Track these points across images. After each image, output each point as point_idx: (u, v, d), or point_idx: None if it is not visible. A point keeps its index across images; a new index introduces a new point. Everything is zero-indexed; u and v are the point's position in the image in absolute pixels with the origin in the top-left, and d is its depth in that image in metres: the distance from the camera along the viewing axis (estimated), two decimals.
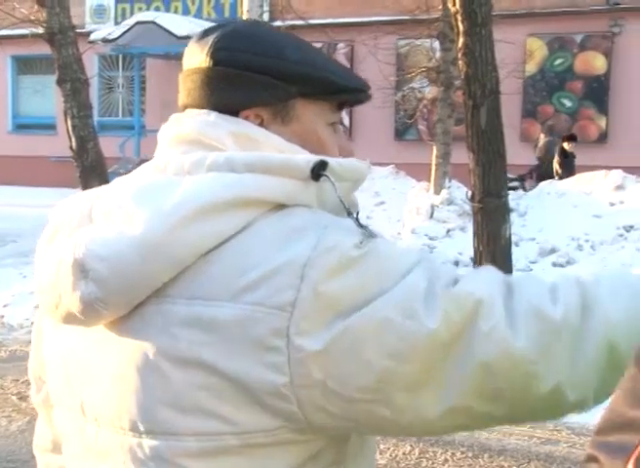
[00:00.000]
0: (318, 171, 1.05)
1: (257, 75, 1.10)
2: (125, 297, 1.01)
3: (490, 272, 1.07)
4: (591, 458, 0.61)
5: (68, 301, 1.02)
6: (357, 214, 1.11)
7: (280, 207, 1.05)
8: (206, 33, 1.14)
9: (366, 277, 1.00)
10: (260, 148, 1.08)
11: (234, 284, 0.99)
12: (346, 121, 16.44)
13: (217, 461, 1.02)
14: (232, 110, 1.11)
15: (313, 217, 1.05)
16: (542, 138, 14.14)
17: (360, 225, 1.05)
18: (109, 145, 15.99)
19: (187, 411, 1.00)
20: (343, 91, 1.15)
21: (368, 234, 1.04)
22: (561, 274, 1.11)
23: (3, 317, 7.61)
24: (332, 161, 1.07)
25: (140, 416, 1.03)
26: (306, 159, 1.06)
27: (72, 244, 1.02)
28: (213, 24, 1.18)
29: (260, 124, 1.11)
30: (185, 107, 1.16)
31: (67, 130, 8.54)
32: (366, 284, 0.99)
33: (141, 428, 1.03)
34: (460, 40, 6.47)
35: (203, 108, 1.12)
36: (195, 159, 1.05)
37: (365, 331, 0.97)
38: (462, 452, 4.81)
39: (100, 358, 1.06)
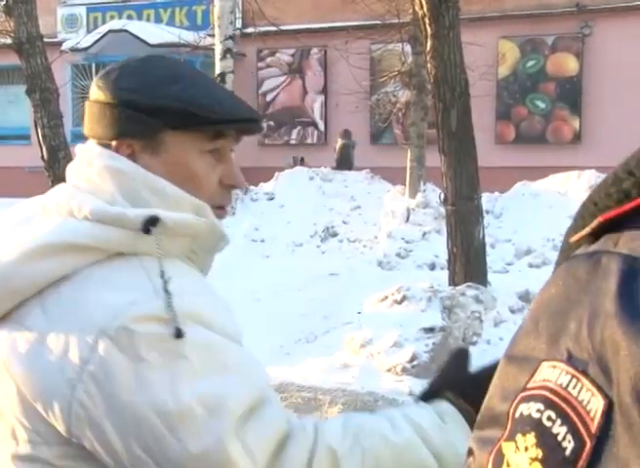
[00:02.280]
0: (148, 225, 1.12)
1: (125, 109, 1.20)
2: None
3: (278, 424, 1.12)
4: (469, 451, 0.64)
5: None
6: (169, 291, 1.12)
7: (118, 255, 1.14)
8: (106, 69, 1.27)
9: (149, 365, 1.06)
10: (130, 182, 1.18)
11: (53, 326, 1.10)
12: (321, 126, 16.46)
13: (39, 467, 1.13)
14: (108, 140, 1.22)
15: (135, 279, 1.12)
16: (339, 142, 14.41)
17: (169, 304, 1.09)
18: None
19: (13, 419, 1.14)
20: (210, 123, 1.21)
21: (172, 320, 1.08)
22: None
23: None
24: (166, 216, 1.14)
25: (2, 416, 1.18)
26: (137, 213, 1.13)
27: None
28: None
29: (131, 154, 1.21)
30: (86, 136, 1.29)
31: (38, 140, 8.47)
32: (147, 372, 1.06)
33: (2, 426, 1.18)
34: (429, 43, 6.48)
35: (91, 137, 1.25)
36: (53, 202, 1.17)
37: (130, 420, 1.07)
38: None
39: None
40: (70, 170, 1.24)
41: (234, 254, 8.99)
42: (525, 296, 7.36)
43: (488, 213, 10.22)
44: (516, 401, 0.60)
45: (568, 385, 0.57)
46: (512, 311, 7.13)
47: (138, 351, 1.06)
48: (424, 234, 10.72)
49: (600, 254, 0.60)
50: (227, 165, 1.27)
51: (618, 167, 0.65)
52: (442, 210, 9.69)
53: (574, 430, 0.55)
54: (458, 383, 1.23)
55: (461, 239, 6.99)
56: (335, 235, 11.38)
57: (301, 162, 14.63)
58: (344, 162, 14.01)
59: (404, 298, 6.64)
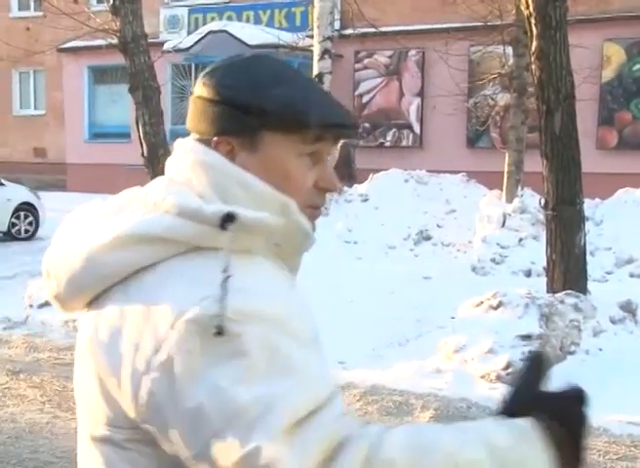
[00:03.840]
0: (225, 222, 1.14)
1: (227, 107, 1.22)
2: (74, 297, 1.23)
3: (335, 433, 1.09)
4: None
5: (47, 287, 1.28)
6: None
7: (196, 249, 1.16)
8: (211, 65, 1.30)
9: (214, 361, 1.08)
10: (220, 178, 1.20)
11: (129, 315, 1.15)
12: (417, 129, 16.33)
13: (112, 449, 1.18)
14: (208, 136, 1.24)
15: (206, 275, 1.13)
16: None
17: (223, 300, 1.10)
18: None
19: (94, 401, 1.19)
20: (312, 126, 1.22)
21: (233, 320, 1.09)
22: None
23: (75, 321, 7.72)
24: (243, 214, 1.15)
25: (83, 398, 1.24)
26: (215, 210, 1.15)
27: (52, 250, 1.27)
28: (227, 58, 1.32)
29: (230, 151, 1.23)
30: (187, 130, 1.31)
31: (139, 137, 8.66)
32: (210, 368, 1.08)
33: (81, 411, 1.25)
34: (534, 44, 6.33)
35: (193, 132, 1.28)
36: (143, 194, 1.22)
37: (187, 413, 1.08)
38: None
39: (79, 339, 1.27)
40: (168, 163, 1.28)
41: (327, 256, 8.98)
42: (627, 306, 7.11)
43: (588, 220, 9.92)
44: None
45: None
46: (613, 321, 6.90)
47: (203, 346, 1.08)
48: (521, 240, 10.50)
49: None
50: (323, 167, 1.28)
51: None
52: (540, 215, 9.47)
53: None
54: (539, 397, 1.17)
55: (562, 245, 6.81)
56: (428, 238, 11.26)
57: None
58: (343, 165, 12.81)
59: (500, 304, 6.50)
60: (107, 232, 1.18)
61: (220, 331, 1.07)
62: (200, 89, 1.26)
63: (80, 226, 1.25)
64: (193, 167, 1.22)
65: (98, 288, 1.20)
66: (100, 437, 1.19)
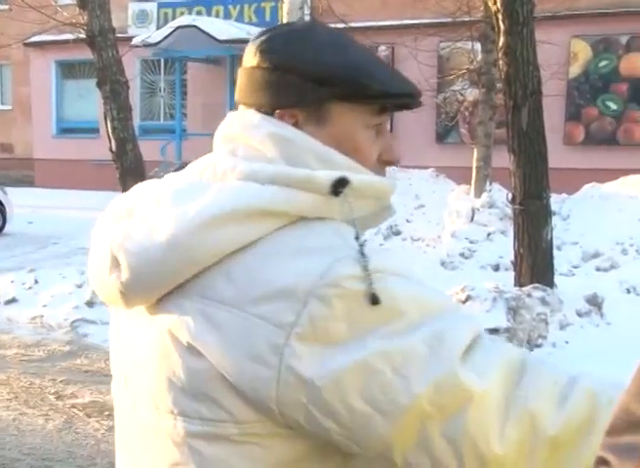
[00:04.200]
0: (338, 187, 1.08)
1: (292, 77, 1.14)
2: (149, 289, 1.10)
3: (506, 352, 1.08)
4: (601, 461, 0.57)
5: (107, 284, 1.14)
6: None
7: (302, 219, 1.09)
8: (262, 33, 1.20)
9: (366, 318, 1.03)
10: (296, 150, 1.13)
11: (244, 294, 1.05)
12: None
13: (218, 446, 1.09)
14: (270, 109, 1.16)
15: (331, 241, 1.08)
16: None
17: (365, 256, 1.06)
18: (151, 149, 16.10)
19: (195, 396, 1.08)
20: (381, 96, 1.16)
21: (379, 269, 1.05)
22: (581, 375, 1.10)
23: (42, 317, 7.67)
24: (354, 178, 1.10)
25: (159, 396, 1.12)
26: (327, 175, 1.09)
27: (112, 234, 1.13)
28: (277, 25, 1.25)
29: (295, 124, 1.15)
30: (238, 103, 1.22)
31: (107, 132, 8.60)
32: (363, 325, 1.03)
33: (162, 406, 1.12)
34: (501, 39, 6.37)
35: (248, 106, 1.19)
36: (227, 167, 1.11)
37: (351, 374, 1.02)
38: None
39: (136, 337, 1.17)
40: (223, 138, 1.19)
41: None
42: (593, 300, 7.20)
43: (555, 214, 10.02)
44: None
45: None
46: (579, 314, 6.98)
47: (350, 308, 1.02)
48: (489, 234, 10.57)
49: None
50: (386, 139, 1.22)
51: None
52: (508, 210, 9.54)
53: None
54: None
55: (529, 239, 6.87)
56: (398, 233, 11.30)
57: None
58: None
59: (468, 298, 6.55)
60: (192, 213, 1.06)
61: (375, 301, 1.02)
62: (256, 58, 1.17)
63: (145, 212, 1.13)
64: (263, 140, 1.14)
65: (185, 275, 1.08)
66: (204, 433, 1.09)
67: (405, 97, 1.20)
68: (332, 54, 1.15)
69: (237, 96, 1.22)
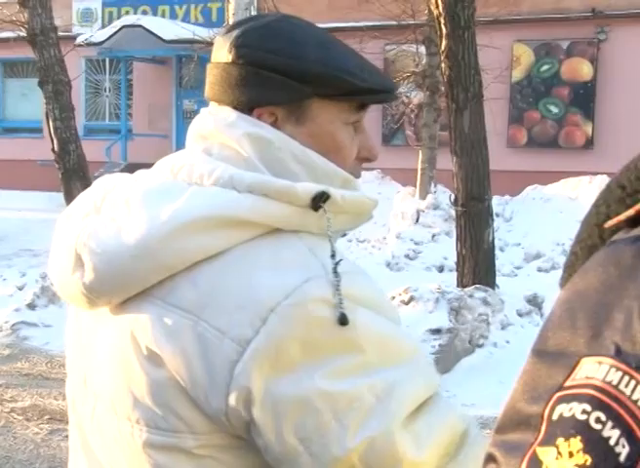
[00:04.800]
0: (318, 201, 1.05)
1: (272, 74, 1.10)
2: (113, 292, 1.06)
3: (450, 422, 1.05)
4: (490, 458, 0.57)
5: (69, 284, 1.10)
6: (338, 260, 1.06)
7: (277, 231, 1.06)
8: (233, 27, 1.14)
9: (323, 346, 1.00)
10: (274, 151, 1.09)
11: (205, 303, 1.02)
12: None
13: (175, 458, 1.06)
14: (247, 107, 1.12)
15: (304, 258, 1.04)
16: None
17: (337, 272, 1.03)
18: (96, 149, 15.90)
19: (153, 405, 1.05)
20: (361, 92, 1.14)
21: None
22: None
23: None
24: (335, 193, 1.07)
25: (118, 401, 1.09)
26: (307, 188, 1.05)
27: (77, 232, 1.09)
28: (246, 17, 1.23)
29: (274, 122, 1.11)
30: (209, 100, 1.18)
31: (49, 132, 8.49)
32: (318, 353, 0.99)
33: (120, 412, 1.09)
34: (443, 43, 6.45)
35: (222, 103, 1.14)
36: (204, 170, 1.07)
37: (291, 406, 0.99)
38: None
39: (98, 338, 1.13)
40: (197, 135, 1.14)
41: None
42: (533, 300, 7.32)
43: (498, 216, 10.17)
44: (552, 401, 0.54)
45: (619, 383, 0.51)
46: (520, 314, 7.09)
47: (310, 333, 0.99)
48: (434, 236, 10.69)
49: None
50: (364, 136, 1.19)
51: None
52: (452, 212, 9.66)
53: (629, 433, 0.50)
54: None
55: (471, 240, 6.96)
56: (344, 235, 11.28)
57: None
58: None
59: (411, 299, 6.61)
60: (164, 218, 1.02)
61: (343, 321, 0.98)
62: (231, 54, 1.12)
63: (114, 210, 1.09)
64: (240, 140, 1.09)
65: (151, 280, 1.04)
66: (163, 444, 1.05)
67: (385, 93, 1.18)
68: (312, 49, 1.11)
69: (208, 92, 1.16)
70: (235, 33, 1.12)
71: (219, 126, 1.11)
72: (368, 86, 1.13)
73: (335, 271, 1.02)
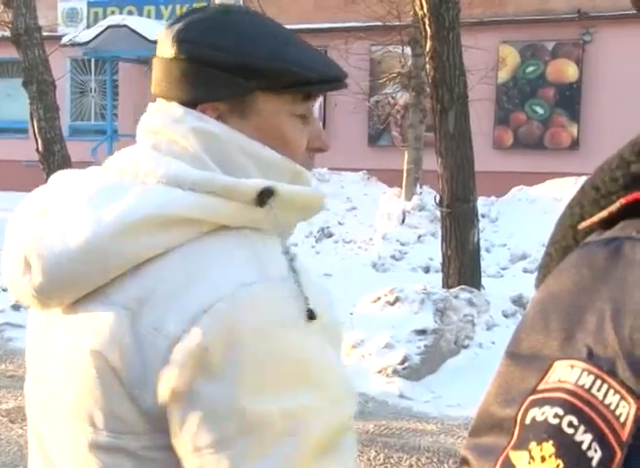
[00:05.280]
0: (264, 197, 1.05)
1: (214, 71, 1.09)
2: (62, 293, 1.07)
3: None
4: (464, 461, 0.57)
5: (20, 285, 1.10)
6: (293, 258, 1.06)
7: (224, 228, 1.06)
8: (176, 20, 1.14)
9: (243, 353, 0.98)
10: (222, 145, 1.09)
11: (146, 300, 1.02)
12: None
13: (120, 459, 1.05)
14: (191, 102, 1.11)
15: (245, 259, 1.04)
16: None
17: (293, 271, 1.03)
18: (82, 149, 15.84)
19: (98, 405, 1.05)
20: (306, 83, 1.13)
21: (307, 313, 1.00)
22: None
23: None
24: (281, 189, 1.06)
25: (67, 401, 1.09)
26: (253, 184, 1.05)
27: (25, 233, 1.09)
28: (193, 8, 1.18)
29: (218, 117, 1.11)
30: (157, 96, 1.18)
31: (34, 132, 8.45)
32: (240, 367, 0.98)
33: (70, 412, 1.09)
34: (428, 44, 6.46)
35: (167, 99, 1.14)
36: (149, 168, 1.07)
37: (196, 412, 0.99)
38: (428, 458, 4.77)
39: (51, 337, 1.14)
40: (146, 131, 1.14)
41: None
42: (519, 301, 7.34)
43: (484, 217, 10.20)
44: (525, 404, 0.54)
45: (591, 387, 0.51)
46: (505, 315, 7.11)
47: (241, 336, 0.98)
48: (420, 237, 10.70)
49: (620, 241, 0.55)
50: (314, 127, 1.18)
51: (622, 149, 0.60)
52: (438, 213, 9.68)
53: (601, 438, 0.49)
54: None
55: (456, 241, 6.97)
56: (330, 236, 11.35)
57: None
58: None
59: (397, 300, 6.62)
60: (109, 218, 1.02)
61: (311, 316, 0.98)
62: (173, 49, 1.11)
63: (61, 211, 1.09)
64: (187, 136, 1.09)
65: (98, 282, 1.05)
66: (108, 445, 1.05)
67: (330, 83, 1.17)
68: (253, 43, 1.10)
69: (155, 89, 1.16)
70: (177, 27, 1.12)
71: (166, 122, 1.11)
72: (312, 76, 1.12)
73: (292, 268, 1.02)
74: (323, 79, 1.14)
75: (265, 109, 1.12)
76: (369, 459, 4.73)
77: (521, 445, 0.52)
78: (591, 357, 0.52)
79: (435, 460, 4.74)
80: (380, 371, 6.14)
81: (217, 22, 1.12)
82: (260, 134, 1.12)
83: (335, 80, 1.17)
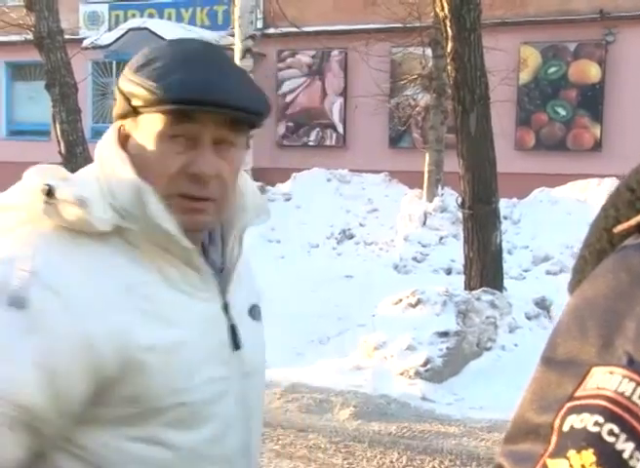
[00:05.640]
0: (45, 194, 1.18)
1: (119, 94, 1.25)
2: None
3: None
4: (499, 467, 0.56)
5: None
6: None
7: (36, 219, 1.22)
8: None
9: None
10: (104, 160, 1.24)
11: None
12: (340, 128, 16.44)
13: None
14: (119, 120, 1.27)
15: (14, 247, 1.19)
16: None
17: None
18: None
19: None
20: (164, 103, 1.17)
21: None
22: None
23: None
24: (60, 190, 1.18)
25: None
26: (39, 183, 1.19)
27: None
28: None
29: (126, 134, 1.25)
30: None
31: (56, 134, 8.50)
32: None
33: None
34: (449, 45, 6.43)
35: None
36: None
37: None
38: (451, 460, 4.75)
39: None
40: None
41: (249, 254, 8.96)
42: (541, 303, 7.29)
43: (506, 218, 10.14)
44: (562, 411, 0.52)
45: (632, 394, 0.50)
46: (528, 317, 7.06)
47: None
48: (441, 238, 10.66)
49: None
50: (198, 152, 1.19)
51: None
52: (459, 214, 9.64)
53: None
54: None
55: (478, 243, 6.94)
56: (351, 237, 11.33)
57: None
58: None
59: (418, 302, 6.59)
60: None
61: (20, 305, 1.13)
62: None
63: None
64: (96, 154, 1.29)
65: None
66: None
67: (196, 105, 1.16)
68: (135, 69, 1.22)
69: None
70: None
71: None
72: (168, 96, 1.16)
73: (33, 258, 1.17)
74: (179, 100, 1.16)
75: (144, 128, 1.21)
76: (391, 461, 4.71)
77: (559, 452, 0.51)
78: (632, 364, 0.51)
79: (458, 463, 4.72)
80: (402, 373, 6.12)
81: (139, 53, 1.27)
82: (137, 150, 1.22)
83: (198, 103, 1.16)
